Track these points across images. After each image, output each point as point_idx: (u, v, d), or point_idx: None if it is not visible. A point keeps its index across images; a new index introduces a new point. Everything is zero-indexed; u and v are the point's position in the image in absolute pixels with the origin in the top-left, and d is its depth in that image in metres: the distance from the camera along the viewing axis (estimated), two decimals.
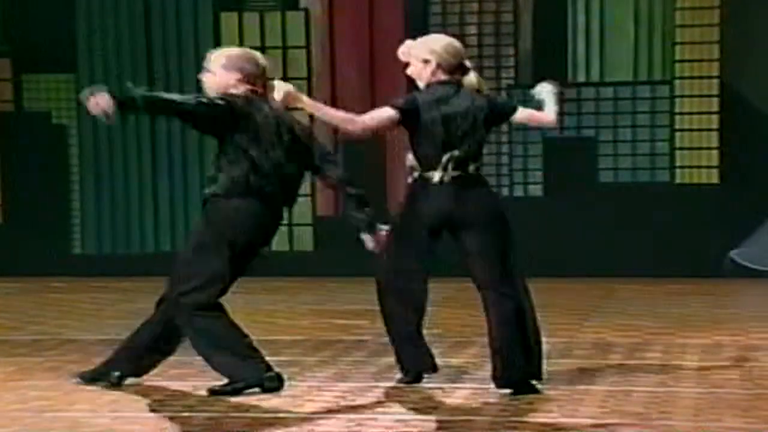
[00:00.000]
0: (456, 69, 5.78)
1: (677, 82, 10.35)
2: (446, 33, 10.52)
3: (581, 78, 10.48)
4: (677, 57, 10.34)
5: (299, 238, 10.88)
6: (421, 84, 5.79)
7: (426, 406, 5.54)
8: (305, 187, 10.97)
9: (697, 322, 7.91)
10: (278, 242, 10.97)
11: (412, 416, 5.36)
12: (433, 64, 5.74)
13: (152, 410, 5.50)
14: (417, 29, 10.58)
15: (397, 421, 5.27)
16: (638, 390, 5.79)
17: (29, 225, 10.97)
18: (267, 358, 6.59)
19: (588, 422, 5.19)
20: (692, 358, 6.63)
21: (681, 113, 10.37)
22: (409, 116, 5.65)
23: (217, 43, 10.87)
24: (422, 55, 5.76)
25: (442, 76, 5.75)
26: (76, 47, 10.79)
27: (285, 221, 10.94)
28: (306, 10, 10.77)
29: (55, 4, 10.73)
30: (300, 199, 10.90)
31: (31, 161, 10.96)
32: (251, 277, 5.97)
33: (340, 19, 10.74)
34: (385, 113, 5.66)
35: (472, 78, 5.83)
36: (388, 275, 5.80)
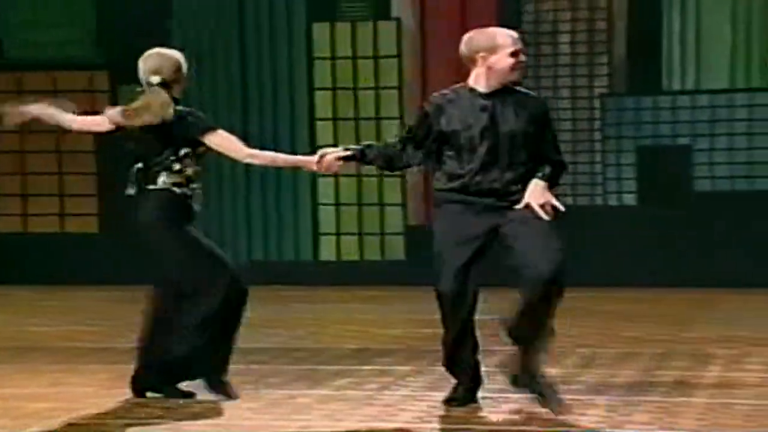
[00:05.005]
0: None
1: None
2: (539, 42, 10.60)
3: (676, 86, 10.34)
4: None
5: (391, 247, 10.89)
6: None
7: (521, 416, 5.50)
8: (396, 197, 11.02)
9: None
10: (370, 251, 11.08)
11: (506, 427, 5.32)
12: None
13: (246, 418, 5.54)
14: None
15: (491, 431, 5.24)
16: (738, 403, 5.68)
17: (125, 235, 11.12)
18: (360, 367, 6.62)
19: None
20: None
21: None
22: None
23: (310, 53, 10.97)
24: None
25: None
26: None
27: (376, 230, 11.13)
28: (398, 20, 10.79)
29: (150, 16, 10.90)
30: (391, 209, 11.01)
31: (127, 172, 11.11)
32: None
33: (431, 29, 10.74)
34: None
35: None
36: None
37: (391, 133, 10.77)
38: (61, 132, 11.60)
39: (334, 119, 10.87)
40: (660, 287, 9.96)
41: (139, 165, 5.87)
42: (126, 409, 5.75)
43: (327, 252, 11.03)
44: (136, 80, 12.24)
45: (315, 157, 5.77)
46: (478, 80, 5.55)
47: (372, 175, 10.90)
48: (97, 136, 11.20)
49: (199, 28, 10.98)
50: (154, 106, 5.78)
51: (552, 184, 5.51)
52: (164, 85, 5.85)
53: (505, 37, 5.53)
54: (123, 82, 11.17)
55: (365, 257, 10.98)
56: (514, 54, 5.50)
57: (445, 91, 5.63)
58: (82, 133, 6.23)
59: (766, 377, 6.31)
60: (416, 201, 10.91)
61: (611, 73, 10.47)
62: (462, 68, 5.74)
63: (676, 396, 5.84)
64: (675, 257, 10.20)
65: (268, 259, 11.02)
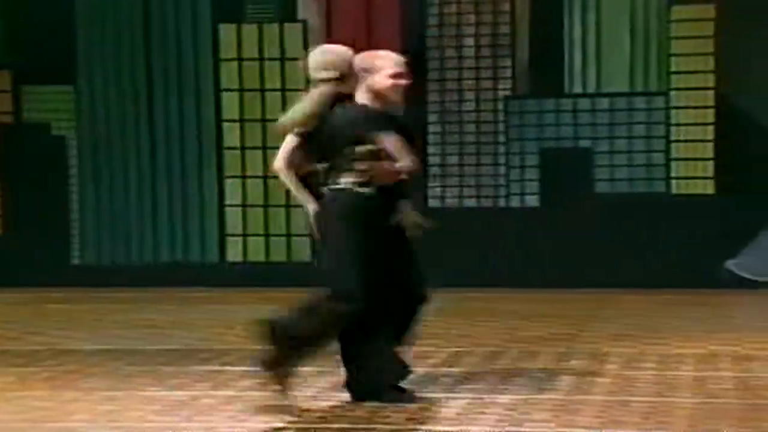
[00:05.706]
0: None
1: (673, 93, 10.40)
2: (444, 45, 10.72)
3: (578, 89, 10.53)
4: (673, 68, 10.38)
5: (297, 248, 10.91)
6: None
7: (423, 416, 5.57)
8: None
9: (693, 333, 7.94)
10: (276, 253, 11.08)
11: (409, 426, 5.39)
12: None
13: (149, 420, 5.53)
14: (414, 40, 10.68)
15: (394, 431, 5.30)
16: (635, 400, 5.82)
17: (28, 236, 10.99)
18: None
19: None
20: (688, 369, 6.66)
21: (677, 124, 10.41)
22: None
23: (216, 55, 10.94)
24: None
25: None
26: (75, 59, 10.83)
27: (283, 232, 11.14)
28: (304, 22, 10.82)
29: (55, 16, 10.77)
30: (297, 210, 11.01)
31: (30, 172, 11.00)
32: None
33: (338, 31, 10.78)
34: None
35: None
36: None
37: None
38: None
39: (241, 121, 10.86)
40: (561, 287, 10.13)
41: (326, 164, 5.73)
42: (23, 412, 5.70)
43: (233, 253, 11.02)
44: (39, 80, 12.10)
45: None
46: (362, 99, 5.72)
47: (277, 177, 10.90)
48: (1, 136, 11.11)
49: (104, 28, 10.88)
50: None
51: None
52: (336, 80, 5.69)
53: (385, 59, 5.71)
54: (25, 81, 11.06)
55: (271, 258, 10.99)
56: (393, 76, 5.67)
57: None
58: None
59: (661, 375, 6.47)
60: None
61: (514, 76, 10.62)
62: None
63: (575, 394, 5.96)
64: (576, 258, 10.38)
65: (174, 260, 10.98)
